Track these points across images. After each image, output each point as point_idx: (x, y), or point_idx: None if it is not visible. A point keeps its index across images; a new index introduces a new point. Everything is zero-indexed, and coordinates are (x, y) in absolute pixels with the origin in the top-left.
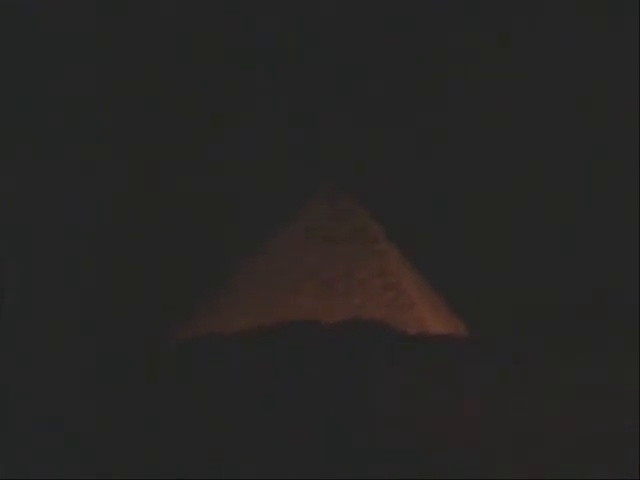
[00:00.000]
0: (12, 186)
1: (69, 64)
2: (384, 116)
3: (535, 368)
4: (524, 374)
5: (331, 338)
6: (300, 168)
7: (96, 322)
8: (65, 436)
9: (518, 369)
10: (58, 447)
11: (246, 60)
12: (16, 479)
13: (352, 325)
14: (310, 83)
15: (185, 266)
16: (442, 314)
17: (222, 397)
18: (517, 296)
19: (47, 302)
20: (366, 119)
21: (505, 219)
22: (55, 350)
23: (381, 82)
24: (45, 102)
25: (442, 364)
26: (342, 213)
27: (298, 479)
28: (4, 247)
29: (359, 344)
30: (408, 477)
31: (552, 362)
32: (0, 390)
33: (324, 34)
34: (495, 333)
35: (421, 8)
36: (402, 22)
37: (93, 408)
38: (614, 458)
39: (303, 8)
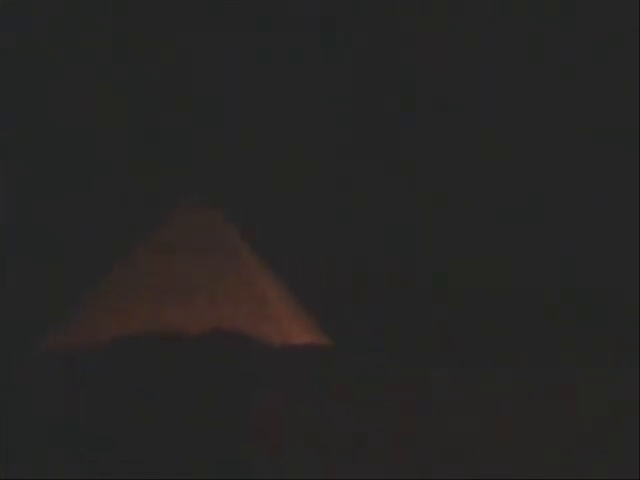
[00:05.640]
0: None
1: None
2: (252, 128)
3: (403, 374)
4: (395, 380)
5: (192, 349)
6: (164, 179)
7: None
8: None
9: (387, 376)
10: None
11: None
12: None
13: (214, 336)
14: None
15: (40, 279)
16: (306, 325)
17: (79, 411)
18: (377, 307)
19: None
20: (235, 133)
21: (376, 225)
22: None
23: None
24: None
25: (307, 375)
26: (204, 224)
27: None
28: None
29: (222, 356)
30: None
31: (419, 366)
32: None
33: None
34: (360, 343)
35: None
36: None
37: None
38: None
39: None
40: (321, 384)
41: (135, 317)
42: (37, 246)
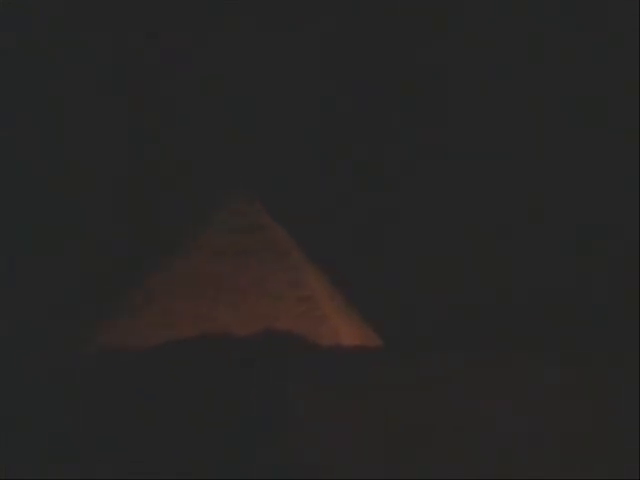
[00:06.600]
0: None
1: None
2: (294, 130)
3: (451, 375)
4: (438, 382)
5: (242, 350)
6: (211, 180)
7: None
8: None
9: (432, 378)
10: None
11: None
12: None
13: (265, 337)
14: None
15: (90, 281)
16: (355, 326)
17: (136, 409)
18: (432, 309)
19: None
20: (276, 133)
21: (422, 229)
22: None
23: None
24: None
25: (356, 376)
26: (253, 225)
27: None
28: None
29: (272, 356)
30: None
31: (463, 369)
32: None
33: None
34: (409, 344)
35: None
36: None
37: None
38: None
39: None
40: (370, 384)
41: (185, 318)
42: (87, 249)
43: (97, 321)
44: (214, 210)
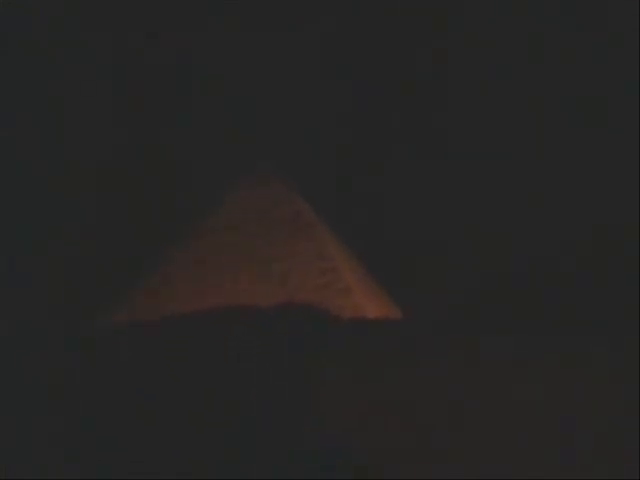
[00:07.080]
0: None
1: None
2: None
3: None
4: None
5: (266, 322)
6: (236, 150)
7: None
8: None
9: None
10: None
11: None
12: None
13: (287, 309)
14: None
15: (120, 248)
16: (378, 299)
17: (156, 383)
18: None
19: None
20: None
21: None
22: None
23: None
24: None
25: (378, 348)
26: (279, 197)
27: (229, 471)
28: None
29: (294, 328)
30: (343, 469)
31: (491, 344)
32: None
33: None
34: (431, 318)
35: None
36: None
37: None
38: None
39: None
40: (392, 356)
41: (209, 291)
42: (111, 224)
43: (123, 294)
44: (241, 180)
